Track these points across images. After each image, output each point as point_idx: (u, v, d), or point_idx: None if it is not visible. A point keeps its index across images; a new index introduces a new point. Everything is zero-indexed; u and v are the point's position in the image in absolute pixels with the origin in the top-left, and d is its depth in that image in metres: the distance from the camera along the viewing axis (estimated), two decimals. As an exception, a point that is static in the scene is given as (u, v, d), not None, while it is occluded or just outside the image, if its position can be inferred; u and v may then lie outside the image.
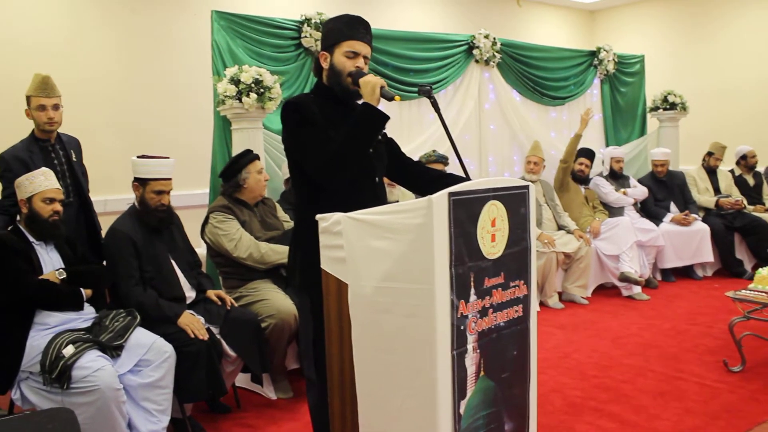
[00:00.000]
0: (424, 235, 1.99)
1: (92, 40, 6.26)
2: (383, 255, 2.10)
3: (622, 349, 4.68)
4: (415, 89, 5.73)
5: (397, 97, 2.49)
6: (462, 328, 2.10)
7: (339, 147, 2.44)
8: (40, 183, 3.34)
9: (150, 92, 6.69)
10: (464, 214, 2.07)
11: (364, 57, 2.62)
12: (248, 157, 4.13)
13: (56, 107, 3.87)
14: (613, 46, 7.69)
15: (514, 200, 2.31)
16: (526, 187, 2.38)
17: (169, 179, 3.61)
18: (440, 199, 1.99)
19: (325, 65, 2.64)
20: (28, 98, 3.86)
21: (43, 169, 3.45)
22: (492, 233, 2.20)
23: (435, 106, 2.50)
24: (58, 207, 3.37)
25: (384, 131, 2.78)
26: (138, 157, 3.60)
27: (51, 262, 3.32)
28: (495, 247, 2.22)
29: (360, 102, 2.51)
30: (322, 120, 2.53)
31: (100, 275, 3.47)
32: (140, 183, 3.57)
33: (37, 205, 3.31)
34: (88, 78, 6.09)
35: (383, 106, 2.50)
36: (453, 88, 6.30)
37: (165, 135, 6.65)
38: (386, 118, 2.50)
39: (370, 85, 2.47)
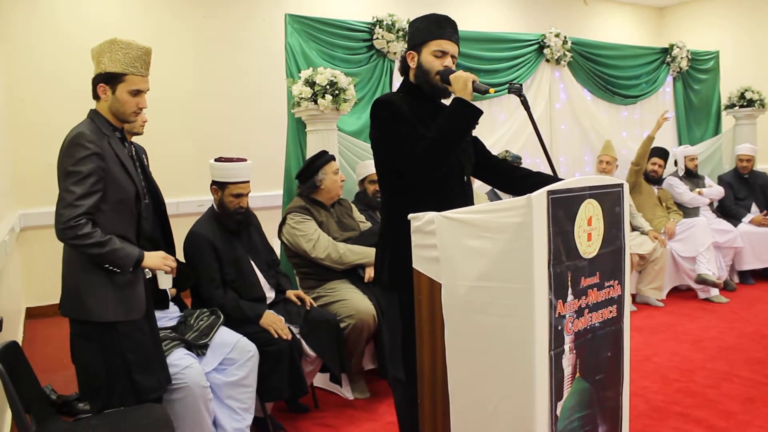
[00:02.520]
0: (523, 233, 1.97)
1: (167, 45, 6.43)
2: (479, 254, 2.08)
3: (704, 353, 4.55)
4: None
5: (491, 90, 2.50)
6: (559, 328, 2.07)
7: (432, 142, 2.44)
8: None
9: (221, 96, 6.85)
10: (562, 212, 2.05)
11: (452, 56, 2.61)
12: (324, 158, 4.17)
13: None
14: (685, 43, 7.49)
15: (610, 199, 2.26)
16: (621, 185, 2.33)
17: (247, 182, 3.65)
18: (539, 197, 1.97)
19: (412, 64, 2.65)
20: None
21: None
22: (588, 232, 2.17)
23: (525, 104, 2.47)
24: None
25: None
26: (215, 160, 3.65)
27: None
28: (591, 246, 2.19)
29: (452, 98, 2.50)
30: (412, 117, 2.53)
31: (186, 276, 3.52)
32: (219, 186, 3.61)
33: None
34: (161, 83, 6.23)
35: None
36: (524, 88, 6.15)
37: (236, 138, 6.79)
38: (480, 112, 2.48)
39: (462, 79, 2.46)
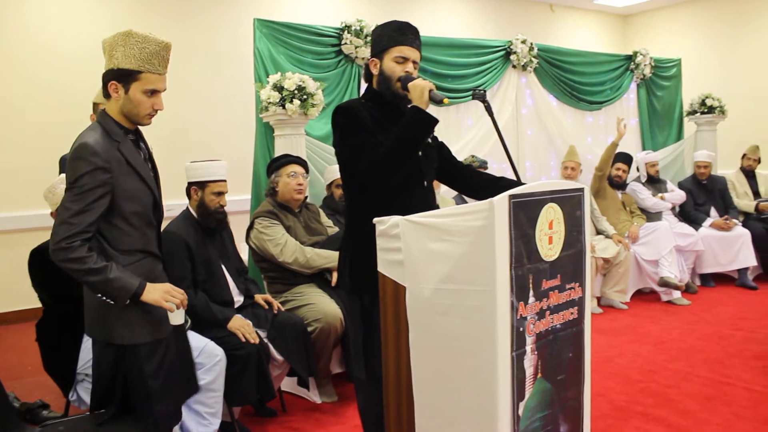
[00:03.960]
0: (485, 237, 2.01)
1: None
2: (442, 257, 2.12)
3: (665, 354, 4.64)
4: (454, 95, 5.82)
5: (445, 100, 2.50)
6: (521, 329, 2.11)
7: (388, 150, 2.46)
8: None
9: (189, 101, 6.81)
10: (524, 216, 2.09)
11: (414, 62, 2.64)
12: (280, 161, 4.17)
13: None
14: (649, 50, 7.65)
15: (570, 203, 2.32)
16: (582, 189, 2.39)
17: (225, 180, 3.66)
18: (501, 201, 2.01)
19: (375, 71, 2.68)
20: (96, 105, 3.99)
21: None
22: (549, 235, 2.22)
23: (489, 110, 2.52)
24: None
25: (434, 135, 2.81)
26: (191, 162, 3.67)
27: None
28: (552, 249, 2.23)
29: (409, 106, 2.53)
30: (373, 124, 2.56)
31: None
32: (199, 186, 3.60)
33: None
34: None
35: (432, 110, 2.53)
36: (490, 94, 6.31)
37: (204, 142, 6.77)
38: (435, 121, 2.52)
39: (419, 88, 2.49)
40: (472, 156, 5.40)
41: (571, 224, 2.32)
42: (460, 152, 5.71)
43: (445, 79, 5.88)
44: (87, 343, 3.14)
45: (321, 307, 3.81)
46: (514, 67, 6.39)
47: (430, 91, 2.48)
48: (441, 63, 5.84)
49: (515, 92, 6.43)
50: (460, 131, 6.02)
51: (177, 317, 2.54)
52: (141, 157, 2.49)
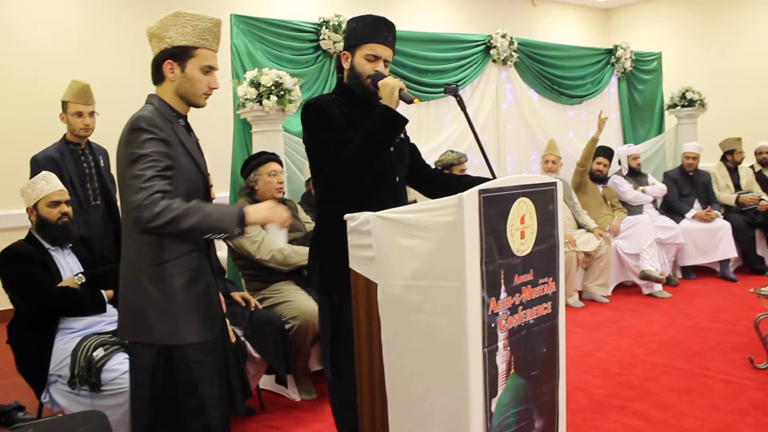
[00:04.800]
0: (455, 232, 1.99)
1: (106, 46, 6.35)
2: (413, 253, 2.10)
3: (645, 347, 4.66)
4: (434, 90, 5.80)
5: (416, 100, 2.48)
6: (493, 325, 2.10)
7: (356, 150, 2.44)
8: (42, 188, 3.33)
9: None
10: (494, 211, 2.07)
11: (385, 60, 2.60)
12: (259, 159, 4.12)
13: (92, 114, 4.02)
14: (629, 44, 7.66)
15: (543, 197, 2.30)
16: (554, 184, 2.37)
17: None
18: (471, 196, 1.99)
19: (346, 65, 2.65)
20: (65, 103, 3.94)
21: (43, 173, 3.44)
22: (521, 230, 2.20)
23: (461, 104, 2.50)
24: (65, 208, 3.35)
25: (406, 133, 2.79)
26: None
27: (69, 267, 3.33)
28: (524, 244, 2.22)
29: (379, 105, 2.51)
30: (343, 121, 2.53)
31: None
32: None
33: (43, 210, 3.31)
34: (103, 84, 6.13)
35: (403, 109, 2.51)
36: (471, 88, 6.30)
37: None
38: (404, 120, 2.50)
39: (389, 87, 2.46)
40: (451, 150, 5.38)
41: (544, 219, 2.31)
42: (440, 147, 5.70)
43: (425, 73, 5.86)
44: (60, 344, 3.11)
45: (299, 304, 3.78)
46: (494, 61, 6.38)
47: (400, 90, 2.45)
48: (420, 58, 5.82)
49: (495, 87, 6.43)
50: (440, 126, 6.01)
51: (280, 238, 2.30)
52: (192, 141, 2.41)
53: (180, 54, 2.27)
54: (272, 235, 2.21)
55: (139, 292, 2.23)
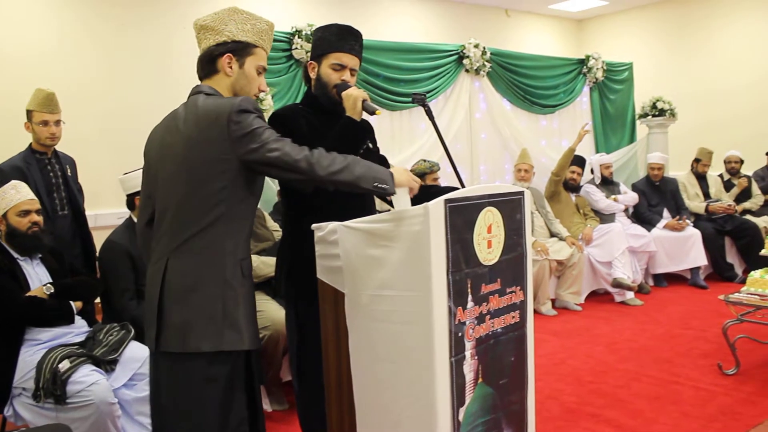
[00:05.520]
0: (420, 242, 1.99)
1: (79, 54, 6.28)
2: (380, 263, 2.10)
3: (617, 355, 4.69)
4: (407, 99, 5.82)
5: (378, 111, 2.48)
6: (460, 334, 2.10)
7: None
8: (12, 197, 3.27)
9: (143, 106, 6.68)
10: (460, 220, 2.08)
11: (351, 69, 2.60)
12: None
13: (58, 123, 3.95)
14: (601, 54, 7.75)
15: (510, 206, 2.31)
16: (521, 193, 2.39)
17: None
18: (437, 206, 2.00)
19: (312, 75, 2.65)
20: (30, 112, 3.88)
21: (13, 182, 3.39)
22: (488, 240, 2.21)
23: (429, 114, 2.51)
24: (36, 218, 3.29)
25: (375, 144, 2.79)
26: (125, 174, 3.61)
27: (38, 277, 3.27)
28: (491, 254, 2.23)
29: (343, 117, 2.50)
30: (309, 131, 2.52)
31: (90, 287, 3.43)
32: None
33: (12, 219, 3.24)
34: (70, 93, 6.07)
35: (376, 117, 2.50)
36: (444, 98, 6.33)
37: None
38: (366, 131, 2.50)
39: (352, 98, 2.46)
40: (424, 160, 5.39)
41: (511, 228, 2.32)
42: (414, 156, 5.71)
43: (398, 83, 5.88)
44: (25, 356, 3.06)
45: (269, 314, 3.76)
46: (467, 71, 6.42)
47: (363, 101, 2.45)
48: (393, 67, 5.84)
49: (468, 96, 6.46)
50: (413, 136, 6.03)
51: (406, 203, 2.22)
52: None
53: (241, 50, 2.20)
54: (399, 199, 2.17)
55: (223, 291, 2.09)
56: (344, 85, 2.52)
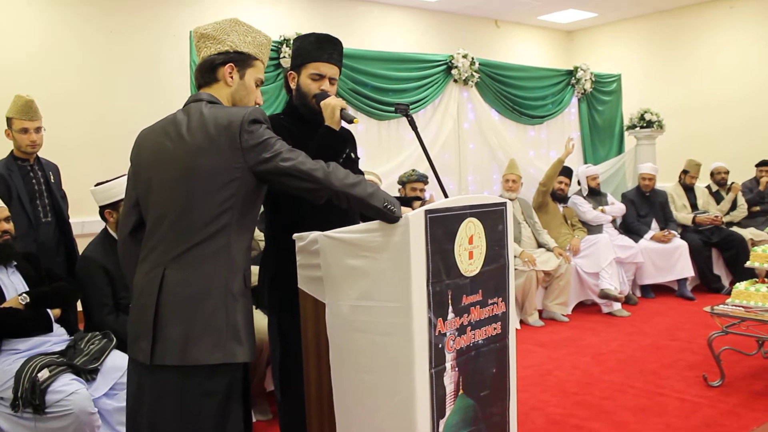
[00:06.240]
0: (400, 252, 1.99)
1: (67, 61, 6.26)
2: (360, 273, 2.09)
3: (603, 366, 4.68)
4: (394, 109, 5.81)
5: (355, 120, 2.48)
6: (440, 346, 2.09)
7: None
8: None
9: (129, 112, 6.66)
10: (441, 231, 2.08)
11: (331, 78, 2.60)
12: None
13: (38, 130, 3.90)
14: (590, 66, 7.78)
15: (492, 217, 2.31)
16: (504, 204, 2.38)
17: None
18: (417, 216, 1.99)
19: (292, 85, 2.65)
20: (10, 120, 3.85)
21: None
22: (469, 251, 2.20)
23: (412, 124, 2.51)
24: (5, 225, 3.24)
25: (357, 154, 2.78)
26: (96, 185, 3.58)
27: (13, 286, 3.22)
28: (473, 265, 2.22)
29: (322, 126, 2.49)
30: (290, 140, 2.52)
31: (68, 292, 3.39)
32: (113, 207, 3.52)
33: None
34: (63, 99, 6.07)
35: (363, 128, 2.50)
36: (432, 108, 6.34)
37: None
38: (346, 140, 2.50)
39: (330, 107, 2.46)
40: (413, 170, 5.38)
41: (493, 239, 2.32)
42: (402, 166, 5.71)
43: (386, 93, 5.88)
44: (3, 365, 3.02)
45: (254, 323, 3.73)
46: (455, 81, 6.43)
47: (342, 110, 2.45)
48: (381, 77, 5.85)
49: (457, 106, 6.47)
50: (402, 145, 6.02)
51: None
52: None
53: (243, 61, 2.19)
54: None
55: (226, 302, 2.04)
56: (323, 95, 2.52)
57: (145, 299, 2.06)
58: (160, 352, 2.01)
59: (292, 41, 5.10)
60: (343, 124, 2.50)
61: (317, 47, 2.57)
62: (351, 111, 2.51)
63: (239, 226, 2.07)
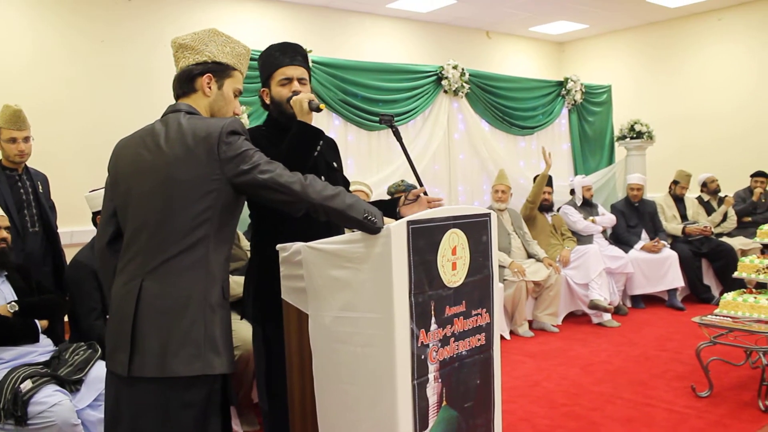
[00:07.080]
0: (382, 263, 1.98)
1: (58, 70, 6.25)
2: (342, 284, 2.09)
3: (592, 377, 4.68)
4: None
5: (321, 105, 2.50)
6: (423, 357, 2.08)
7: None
8: None
9: (120, 123, 6.63)
10: (423, 242, 2.07)
11: (300, 79, 2.61)
12: None
13: (27, 140, 3.89)
14: (580, 77, 7.82)
15: (476, 228, 2.31)
16: (488, 214, 2.38)
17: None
18: (399, 227, 1.99)
19: (267, 100, 2.66)
20: None
21: None
22: (453, 261, 2.20)
23: (396, 135, 2.52)
24: (3, 233, 3.26)
25: (341, 164, 2.79)
26: (90, 192, 3.59)
27: (2, 295, 3.22)
28: (456, 276, 2.22)
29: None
30: (271, 151, 2.52)
31: (56, 305, 3.38)
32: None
33: None
34: (54, 109, 6.05)
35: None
36: (422, 119, 6.35)
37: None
38: (319, 133, 2.50)
39: (298, 102, 2.47)
40: (401, 180, 5.39)
41: (477, 250, 2.32)
42: (392, 176, 5.71)
43: (376, 103, 5.89)
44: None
45: (240, 334, 3.71)
46: (445, 92, 6.45)
47: (310, 102, 2.46)
48: (372, 87, 5.86)
49: (447, 117, 6.49)
50: (392, 156, 6.02)
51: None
52: None
53: (221, 71, 2.19)
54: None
55: (205, 313, 2.02)
56: (295, 95, 2.53)
57: (123, 311, 2.04)
58: (138, 364, 1.99)
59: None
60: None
61: (280, 53, 2.61)
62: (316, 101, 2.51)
63: (217, 238, 2.06)
